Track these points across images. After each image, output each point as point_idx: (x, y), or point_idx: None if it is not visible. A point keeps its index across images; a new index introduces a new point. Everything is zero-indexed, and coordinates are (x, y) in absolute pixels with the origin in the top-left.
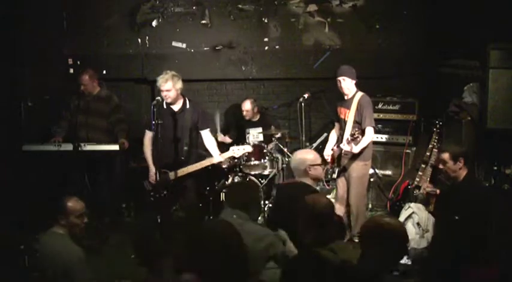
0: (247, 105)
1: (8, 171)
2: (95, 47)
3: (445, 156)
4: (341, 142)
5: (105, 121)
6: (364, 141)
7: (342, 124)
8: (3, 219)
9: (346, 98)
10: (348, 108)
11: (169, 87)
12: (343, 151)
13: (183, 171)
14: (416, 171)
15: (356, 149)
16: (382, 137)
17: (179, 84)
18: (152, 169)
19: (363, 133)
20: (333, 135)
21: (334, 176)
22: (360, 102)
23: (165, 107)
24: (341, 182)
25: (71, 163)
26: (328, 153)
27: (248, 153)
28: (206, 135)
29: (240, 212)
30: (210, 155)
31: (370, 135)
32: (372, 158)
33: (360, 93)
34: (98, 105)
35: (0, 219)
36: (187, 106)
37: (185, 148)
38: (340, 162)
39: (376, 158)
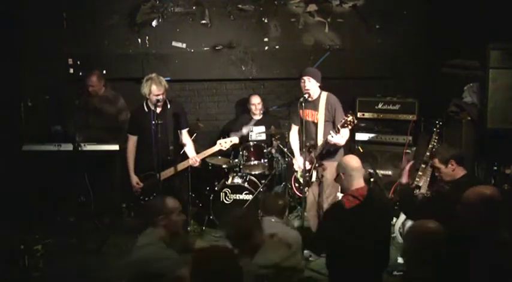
0: (256, 99)
1: (8, 171)
2: (95, 47)
3: (435, 161)
4: (313, 143)
5: (110, 121)
6: (346, 135)
7: (310, 126)
8: (3, 219)
9: (310, 99)
10: (316, 109)
11: (164, 89)
12: (315, 153)
13: (170, 172)
14: (416, 171)
15: (343, 141)
16: (382, 137)
17: (167, 84)
18: (133, 179)
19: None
20: (294, 140)
21: (313, 179)
22: (328, 101)
23: (146, 109)
24: (314, 186)
25: (71, 163)
26: (300, 163)
27: (246, 151)
28: (185, 134)
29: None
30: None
31: (348, 130)
32: (372, 157)
33: (325, 93)
34: (104, 105)
35: (0, 219)
36: (168, 106)
37: (171, 148)
38: (316, 164)
39: (376, 158)
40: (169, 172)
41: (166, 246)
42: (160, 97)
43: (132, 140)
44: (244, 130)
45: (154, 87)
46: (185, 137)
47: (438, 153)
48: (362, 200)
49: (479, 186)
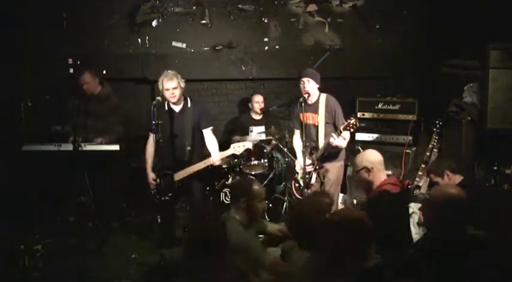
0: (259, 97)
1: (8, 171)
2: (95, 47)
3: (432, 177)
4: (314, 146)
5: (103, 123)
6: (348, 138)
7: (311, 129)
8: (3, 219)
9: (310, 102)
10: (315, 112)
11: (175, 84)
12: (316, 155)
13: (186, 172)
14: (416, 171)
15: (344, 144)
16: (382, 137)
17: (183, 83)
18: (150, 176)
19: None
20: (298, 144)
21: (313, 181)
22: (328, 103)
23: (166, 108)
24: (314, 188)
25: (71, 163)
26: (301, 165)
27: (249, 151)
28: (208, 134)
29: None
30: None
31: (349, 133)
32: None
33: (324, 95)
34: (96, 106)
35: (0, 219)
36: (189, 106)
37: (188, 148)
38: (317, 166)
39: None
40: (187, 172)
41: (244, 229)
42: (171, 92)
43: (151, 139)
44: (253, 135)
45: (164, 81)
46: (208, 137)
47: (432, 170)
48: (402, 186)
49: (446, 185)
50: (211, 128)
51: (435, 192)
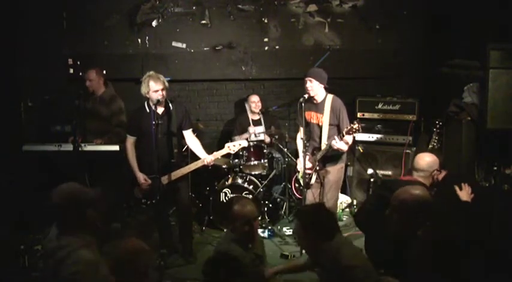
0: (255, 97)
1: (8, 171)
2: (95, 47)
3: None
4: (316, 146)
5: (106, 125)
6: (350, 141)
7: (314, 128)
8: (3, 219)
9: (315, 101)
10: (321, 112)
11: (163, 86)
12: (317, 156)
13: (175, 174)
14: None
15: (346, 147)
16: (382, 137)
17: (167, 82)
18: (140, 176)
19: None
20: (301, 142)
21: (312, 181)
22: (333, 105)
23: (147, 110)
24: (314, 188)
25: (71, 163)
26: (301, 165)
27: (249, 151)
28: (189, 135)
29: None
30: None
31: (351, 137)
32: (372, 158)
33: (330, 96)
34: (100, 107)
35: (0, 219)
36: (171, 108)
37: (175, 150)
38: (317, 167)
39: (376, 158)
40: (179, 173)
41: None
42: (160, 94)
43: (130, 141)
44: (251, 133)
45: (152, 83)
46: (190, 138)
47: None
48: None
49: (409, 187)
50: (191, 129)
51: (403, 195)
